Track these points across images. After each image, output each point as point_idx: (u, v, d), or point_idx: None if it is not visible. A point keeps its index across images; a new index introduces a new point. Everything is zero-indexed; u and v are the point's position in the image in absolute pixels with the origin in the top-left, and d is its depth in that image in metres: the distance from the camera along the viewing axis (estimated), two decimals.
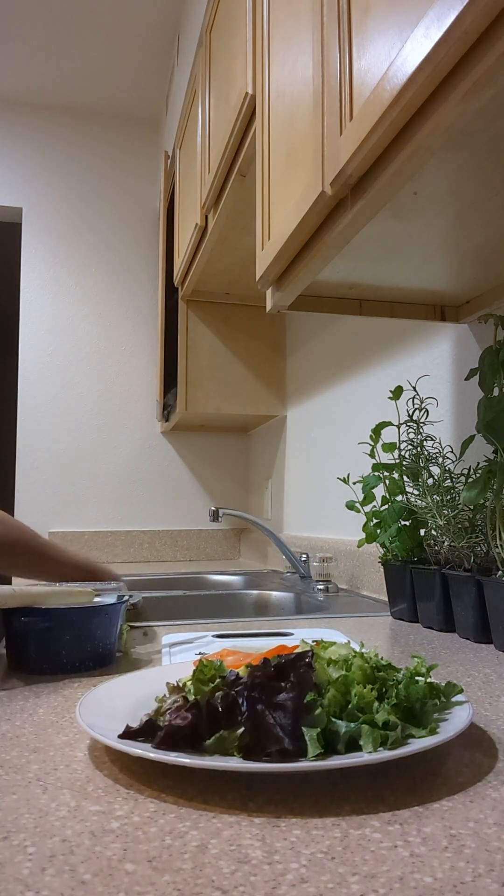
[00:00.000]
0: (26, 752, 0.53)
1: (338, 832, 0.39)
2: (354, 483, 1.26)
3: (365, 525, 1.18)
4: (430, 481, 1.05)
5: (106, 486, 2.80)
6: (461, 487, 1.01)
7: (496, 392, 0.93)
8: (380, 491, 1.19)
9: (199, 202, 1.81)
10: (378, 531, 1.15)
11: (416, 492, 1.10)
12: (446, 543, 1.01)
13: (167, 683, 0.56)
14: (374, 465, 1.17)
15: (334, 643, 0.60)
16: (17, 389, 2.79)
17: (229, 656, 0.74)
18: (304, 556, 1.77)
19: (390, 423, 1.17)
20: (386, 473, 1.15)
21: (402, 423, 1.15)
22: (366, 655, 0.56)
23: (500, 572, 0.88)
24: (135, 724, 0.50)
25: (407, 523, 1.11)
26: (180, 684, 0.55)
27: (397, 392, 1.15)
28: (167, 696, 0.54)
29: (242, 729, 0.47)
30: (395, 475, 1.14)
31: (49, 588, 0.83)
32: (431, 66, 0.57)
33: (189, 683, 0.54)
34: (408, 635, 1.01)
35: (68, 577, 1.14)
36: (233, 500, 2.89)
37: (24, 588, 0.80)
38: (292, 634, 1.00)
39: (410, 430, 1.12)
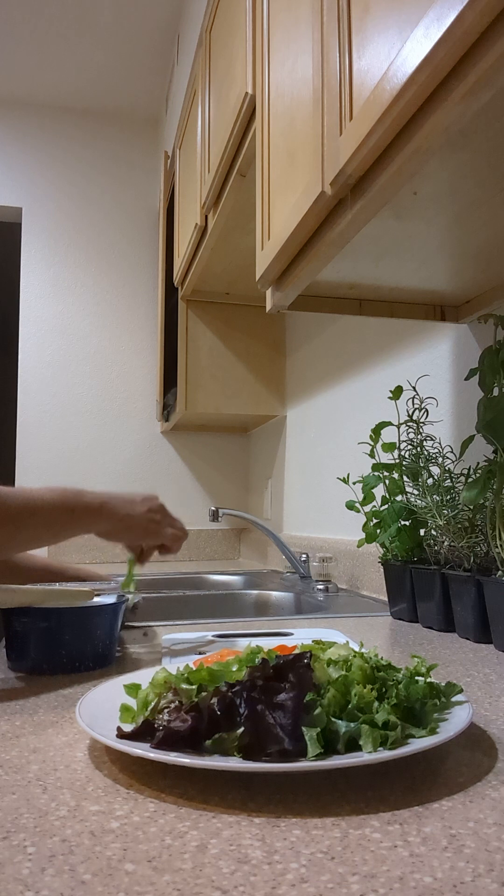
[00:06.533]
0: (26, 752, 0.53)
1: (338, 832, 0.39)
2: (354, 483, 1.26)
3: (365, 525, 1.18)
4: (430, 481, 1.05)
5: (106, 485, 2.80)
6: (461, 487, 1.01)
7: (496, 392, 0.93)
8: (380, 491, 1.19)
9: (199, 202, 1.81)
10: (378, 531, 1.15)
11: (415, 492, 1.10)
12: (446, 543, 1.01)
13: (152, 683, 0.55)
14: (374, 465, 1.17)
15: (334, 643, 0.60)
16: (17, 389, 2.79)
17: (229, 657, 0.74)
18: (304, 556, 1.77)
19: (390, 423, 1.17)
20: (386, 473, 1.15)
21: (401, 423, 1.15)
22: (366, 655, 0.56)
23: (500, 572, 0.88)
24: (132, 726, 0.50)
25: (407, 523, 1.11)
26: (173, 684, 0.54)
27: (397, 392, 1.15)
28: (163, 694, 0.54)
29: (242, 729, 0.47)
30: (395, 475, 1.14)
31: (49, 588, 0.83)
32: (431, 66, 0.57)
33: (185, 685, 0.54)
34: (408, 635, 1.01)
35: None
36: (233, 499, 2.89)
37: (24, 588, 0.80)
38: (292, 634, 1.00)
39: (410, 430, 1.12)
